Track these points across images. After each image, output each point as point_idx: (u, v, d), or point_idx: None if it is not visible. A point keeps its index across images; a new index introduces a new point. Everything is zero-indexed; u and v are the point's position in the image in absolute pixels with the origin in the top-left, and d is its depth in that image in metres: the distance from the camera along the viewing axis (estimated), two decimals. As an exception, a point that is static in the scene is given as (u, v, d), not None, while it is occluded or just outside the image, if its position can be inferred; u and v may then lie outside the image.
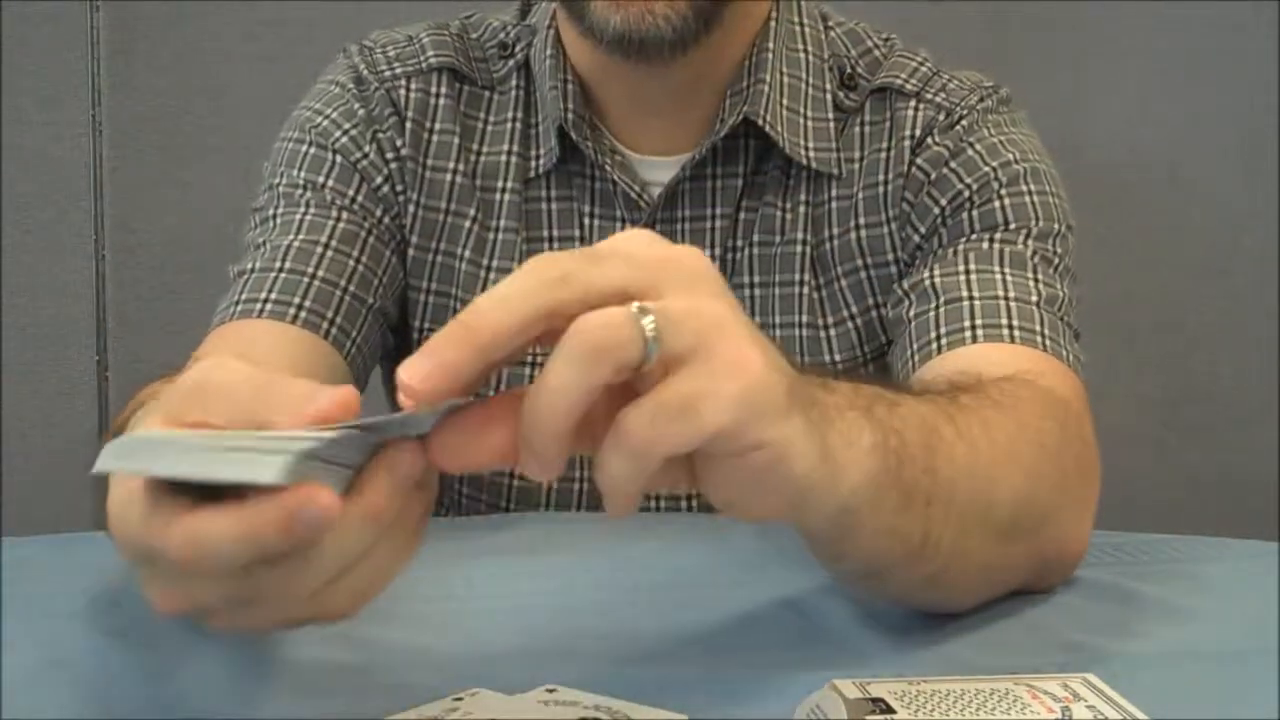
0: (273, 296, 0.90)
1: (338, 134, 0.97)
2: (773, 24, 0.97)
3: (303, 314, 0.90)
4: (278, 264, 0.92)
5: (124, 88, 1.95)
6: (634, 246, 0.51)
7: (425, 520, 0.52)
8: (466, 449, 0.50)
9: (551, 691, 0.58)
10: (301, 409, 0.47)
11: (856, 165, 0.97)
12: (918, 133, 0.97)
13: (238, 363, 0.51)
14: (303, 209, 0.95)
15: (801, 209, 0.97)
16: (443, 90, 0.99)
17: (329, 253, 0.93)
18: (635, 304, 0.49)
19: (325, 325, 0.91)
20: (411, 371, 0.47)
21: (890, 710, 0.53)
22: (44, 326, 1.98)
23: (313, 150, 0.97)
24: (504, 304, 0.49)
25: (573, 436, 0.48)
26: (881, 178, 0.97)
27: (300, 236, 0.93)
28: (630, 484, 0.49)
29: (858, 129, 0.98)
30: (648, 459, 0.49)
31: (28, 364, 1.98)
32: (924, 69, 0.99)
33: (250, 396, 0.49)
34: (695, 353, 0.49)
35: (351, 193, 0.96)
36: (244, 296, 0.91)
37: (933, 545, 0.62)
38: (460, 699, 0.57)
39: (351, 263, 0.94)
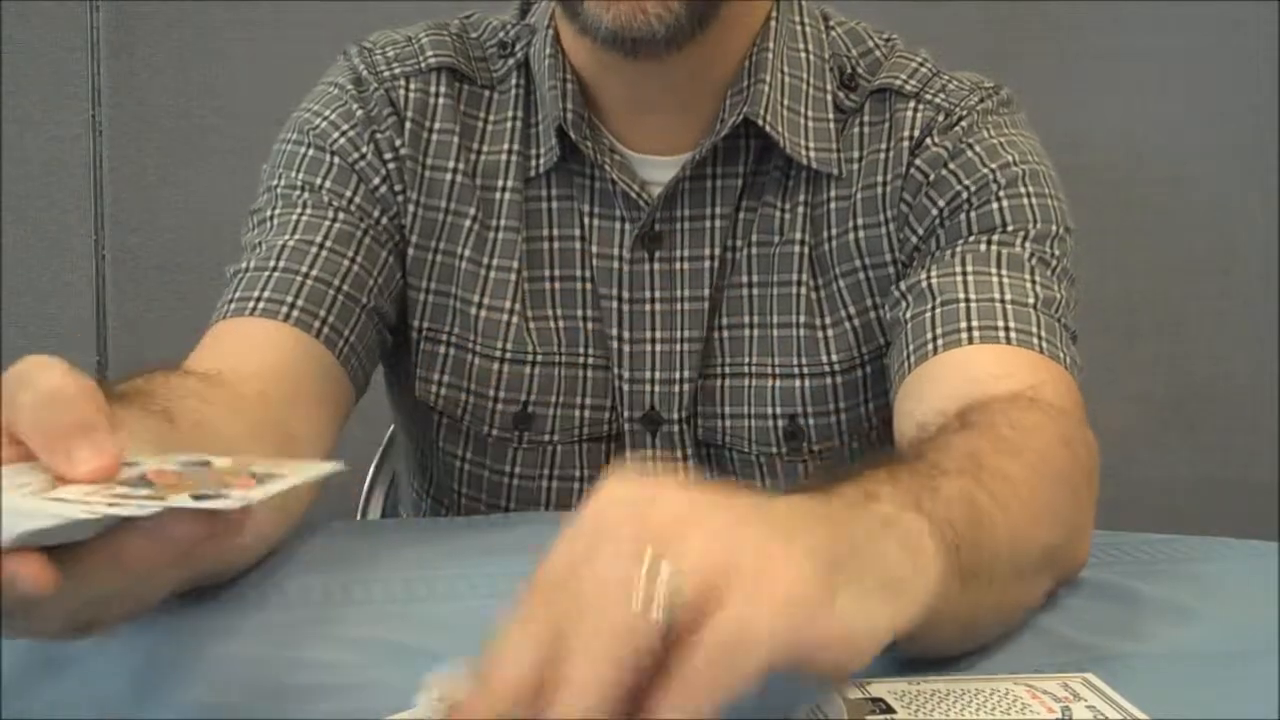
0: (265, 295, 0.90)
1: (335, 135, 0.97)
2: (773, 23, 0.97)
3: (295, 313, 0.90)
4: (272, 263, 0.92)
5: (124, 88, 1.95)
6: (616, 518, 0.49)
7: (217, 553, 0.53)
8: None
9: (552, 691, 0.58)
10: (60, 464, 0.50)
11: (856, 166, 0.97)
12: (916, 133, 0.97)
13: (42, 368, 0.52)
14: (299, 210, 0.95)
15: (800, 209, 0.97)
16: (442, 90, 0.99)
17: (323, 253, 0.93)
18: (646, 565, 0.47)
19: (317, 324, 0.91)
20: None
21: (890, 710, 0.53)
22: (44, 326, 1.98)
23: (311, 152, 0.97)
24: (514, 665, 0.47)
25: None
26: (880, 178, 0.97)
27: (295, 236, 0.93)
28: None
29: (857, 129, 0.98)
30: (707, 698, 0.46)
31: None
32: (924, 69, 0.99)
33: (36, 417, 0.51)
34: (727, 588, 0.47)
35: (349, 194, 0.96)
36: (238, 295, 0.91)
37: (983, 613, 0.63)
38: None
39: (346, 263, 0.94)
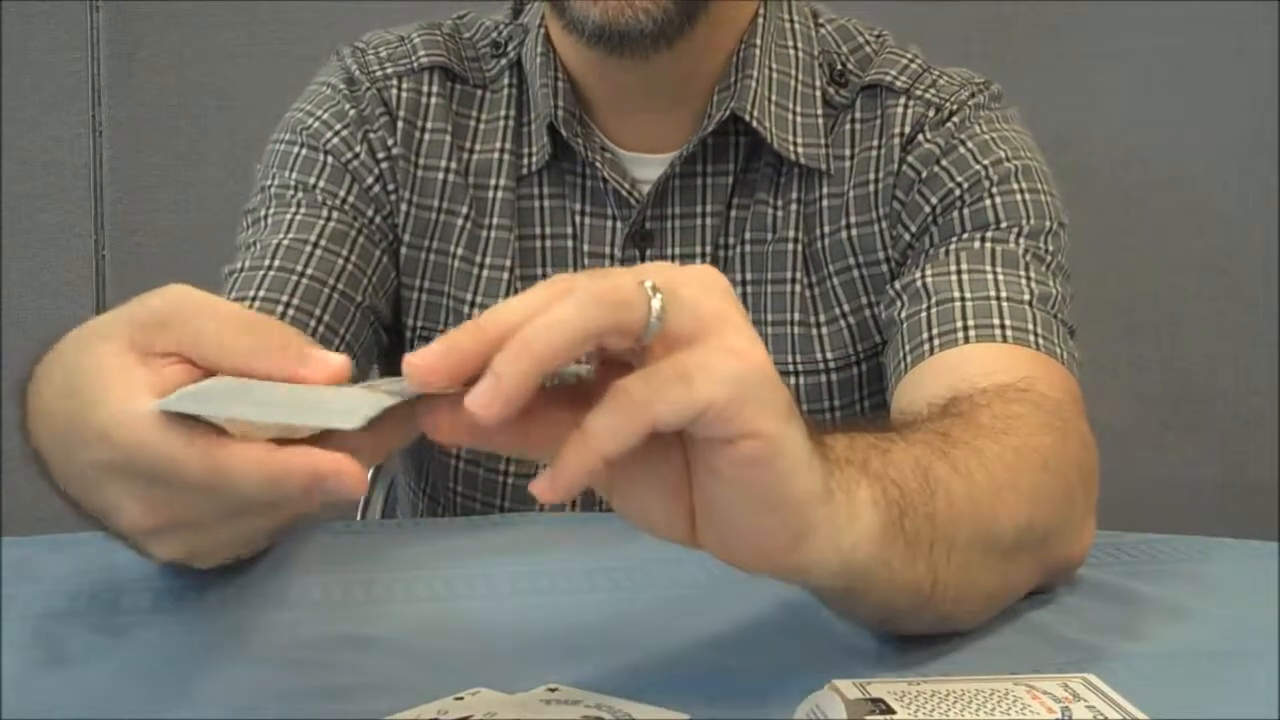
0: (261, 294, 0.90)
1: (329, 135, 0.97)
2: (760, 20, 0.97)
3: (291, 311, 0.90)
4: (267, 262, 0.92)
5: (124, 88, 1.95)
6: (650, 265, 0.53)
7: None
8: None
9: (553, 690, 0.58)
10: (286, 366, 0.50)
11: (847, 163, 0.97)
12: (908, 130, 0.97)
13: (203, 295, 0.53)
14: (293, 209, 0.95)
15: (793, 206, 0.97)
16: (434, 89, 0.99)
17: (318, 251, 0.93)
18: (648, 281, 0.50)
19: (313, 323, 0.91)
20: (422, 356, 0.49)
21: (890, 710, 0.53)
22: (44, 326, 1.97)
23: (304, 152, 0.97)
24: (512, 307, 0.50)
25: (539, 379, 0.48)
26: (872, 176, 0.97)
27: (290, 235, 0.93)
28: (609, 437, 0.49)
29: (849, 126, 0.98)
30: (638, 420, 0.49)
31: (28, 364, 1.98)
32: (914, 65, 0.99)
33: (231, 338, 0.51)
34: (697, 335, 0.51)
35: (342, 193, 0.96)
36: (234, 295, 0.91)
37: (941, 588, 0.62)
38: (461, 698, 0.57)
39: (340, 261, 0.94)
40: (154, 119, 1.96)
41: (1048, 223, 0.94)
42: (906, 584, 0.60)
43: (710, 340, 0.51)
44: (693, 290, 0.51)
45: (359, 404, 0.48)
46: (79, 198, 1.96)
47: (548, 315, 0.49)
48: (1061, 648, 0.66)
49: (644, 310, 0.50)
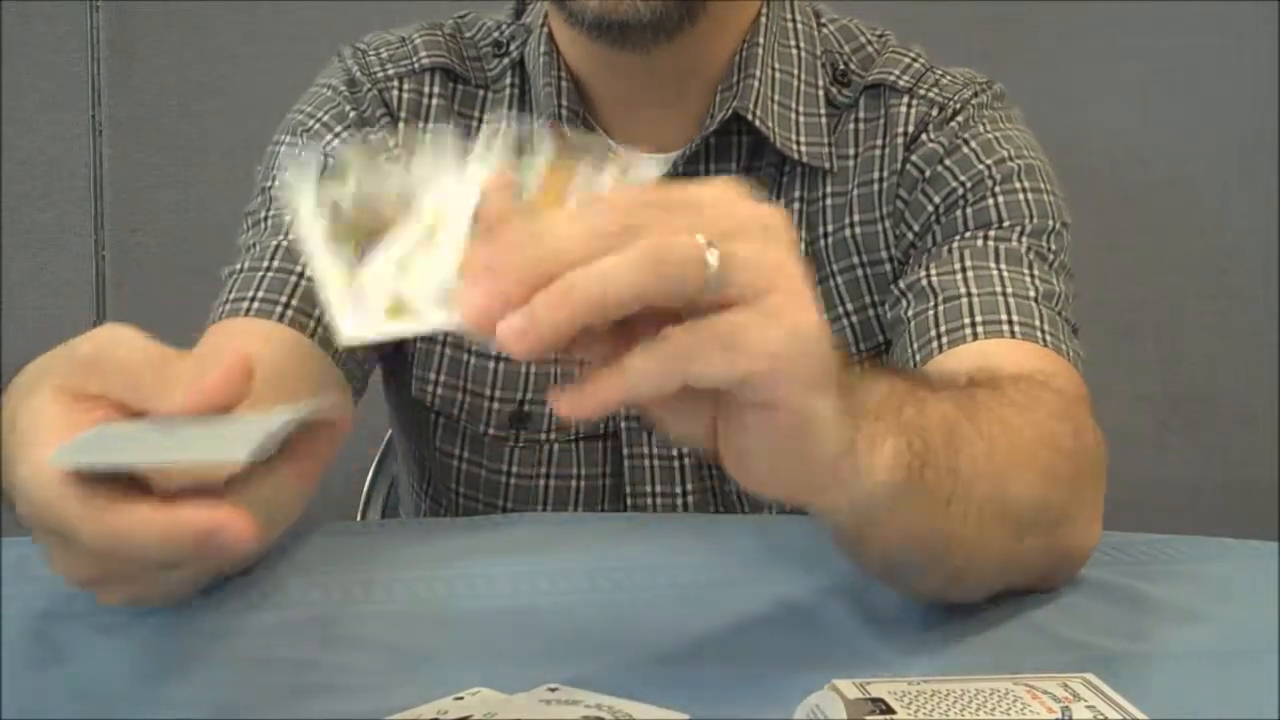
0: (260, 295, 0.90)
1: (329, 137, 0.97)
2: (763, 20, 0.97)
3: (289, 312, 0.90)
4: (265, 263, 0.92)
5: (124, 88, 1.95)
6: (711, 196, 0.52)
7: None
8: None
9: (553, 690, 0.58)
10: (195, 385, 0.50)
11: (851, 162, 0.97)
12: (911, 129, 0.97)
13: (135, 335, 0.53)
14: None
15: (796, 205, 0.97)
16: (435, 90, 0.99)
17: None
18: (705, 239, 0.50)
19: (311, 324, 0.91)
20: (468, 297, 0.49)
21: (890, 710, 0.53)
22: (44, 326, 1.98)
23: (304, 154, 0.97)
24: (571, 237, 0.49)
25: (576, 329, 0.48)
26: (876, 175, 0.97)
27: (289, 237, 0.93)
28: (644, 382, 0.49)
29: (852, 125, 0.98)
30: (675, 372, 0.49)
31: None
32: (917, 65, 0.99)
33: (149, 375, 0.51)
34: (748, 295, 0.51)
35: None
36: (233, 296, 0.91)
37: (956, 545, 0.64)
38: (461, 698, 0.57)
39: None
40: (154, 119, 1.96)
41: (1050, 222, 0.94)
42: (920, 534, 0.62)
43: (761, 301, 0.51)
44: (753, 246, 0.51)
45: (246, 435, 0.47)
46: (79, 198, 1.95)
47: (600, 265, 0.48)
48: (1062, 648, 0.66)
49: (699, 277, 0.50)
